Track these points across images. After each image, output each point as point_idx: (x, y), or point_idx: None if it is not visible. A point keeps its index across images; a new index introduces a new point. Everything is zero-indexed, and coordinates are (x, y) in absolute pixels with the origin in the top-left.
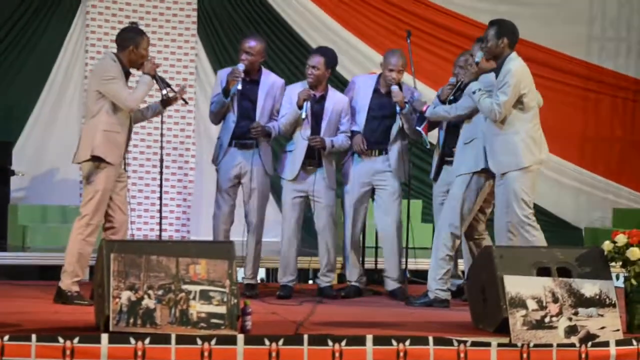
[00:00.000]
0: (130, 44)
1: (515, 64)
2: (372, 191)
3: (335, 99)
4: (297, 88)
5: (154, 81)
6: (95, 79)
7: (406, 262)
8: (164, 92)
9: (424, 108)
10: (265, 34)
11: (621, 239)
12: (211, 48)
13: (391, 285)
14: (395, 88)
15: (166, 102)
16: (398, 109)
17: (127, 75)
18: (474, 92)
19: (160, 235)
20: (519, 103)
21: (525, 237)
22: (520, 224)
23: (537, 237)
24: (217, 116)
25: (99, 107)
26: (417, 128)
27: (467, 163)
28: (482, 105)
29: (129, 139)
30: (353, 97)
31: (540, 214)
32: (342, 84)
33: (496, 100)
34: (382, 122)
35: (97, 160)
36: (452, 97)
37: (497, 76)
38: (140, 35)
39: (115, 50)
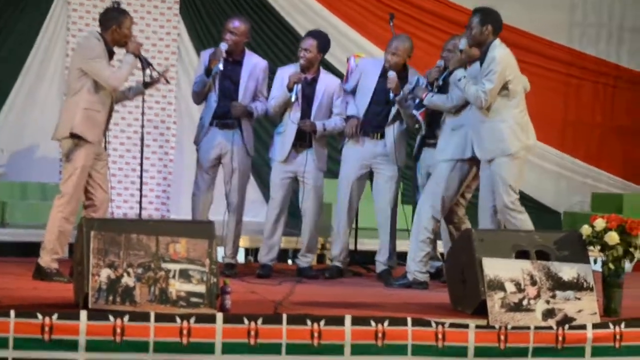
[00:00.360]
0: (113, 24)
1: (499, 51)
2: (370, 174)
3: (326, 82)
4: (289, 70)
5: (138, 61)
6: (78, 57)
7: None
8: (147, 71)
9: (424, 95)
10: (248, 15)
11: (600, 223)
12: (193, 27)
13: (380, 267)
14: (391, 74)
15: (148, 83)
16: (392, 95)
17: (111, 54)
18: (459, 80)
19: (140, 214)
20: (504, 89)
21: (511, 222)
22: (506, 210)
23: (523, 220)
24: (200, 96)
25: (80, 85)
26: (414, 112)
27: (453, 148)
28: (467, 93)
29: (109, 117)
30: (359, 79)
31: (520, 197)
32: (328, 70)
33: (482, 88)
34: (386, 106)
35: (76, 137)
36: (441, 82)
37: (481, 63)
38: (123, 14)
39: (98, 29)
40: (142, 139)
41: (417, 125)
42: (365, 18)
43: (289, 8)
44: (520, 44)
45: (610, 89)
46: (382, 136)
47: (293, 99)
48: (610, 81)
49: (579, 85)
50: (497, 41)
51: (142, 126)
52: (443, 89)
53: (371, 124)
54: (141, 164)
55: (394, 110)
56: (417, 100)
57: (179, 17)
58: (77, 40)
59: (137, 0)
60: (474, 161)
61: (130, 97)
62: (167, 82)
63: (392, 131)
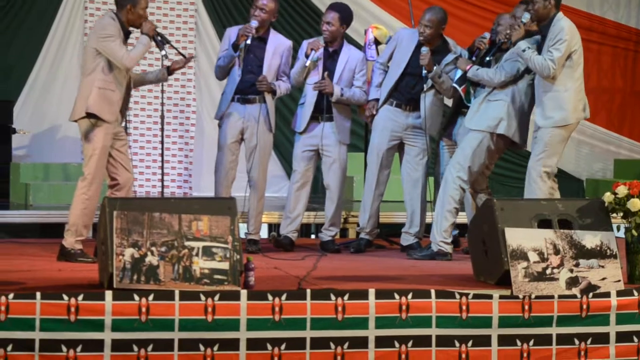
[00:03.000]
0: (128, 3)
1: (566, 22)
2: (401, 145)
3: (349, 55)
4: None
5: (153, 42)
6: (93, 37)
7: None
8: (163, 52)
9: (467, 67)
10: None
11: (622, 190)
12: (210, 4)
13: (409, 240)
14: (424, 50)
15: (172, 70)
16: (424, 71)
17: (127, 34)
18: (523, 50)
19: (162, 192)
20: (568, 60)
21: (532, 187)
22: (541, 174)
23: (543, 191)
24: (224, 71)
25: (95, 64)
26: (455, 85)
27: (487, 120)
28: (534, 62)
29: (128, 98)
30: (394, 50)
31: None
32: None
33: (550, 56)
34: (420, 80)
35: (92, 117)
36: (490, 57)
37: (543, 37)
38: None
39: (114, 9)
40: (162, 117)
41: (462, 98)
42: None
43: None
44: None
45: (632, 54)
46: (415, 109)
47: (307, 63)
48: (630, 46)
49: (599, 51)
50: (561, 14)
51: (162, 104)
52: (486, 65)
53: (404, 96)
54: (162, 142)
55: (429, 83)
56: (457, 73)
57: None
58: (93, 20)
59: None
60: (504, 138)
61: (151, 81)
62: (185, 58)
63: (424, 101)
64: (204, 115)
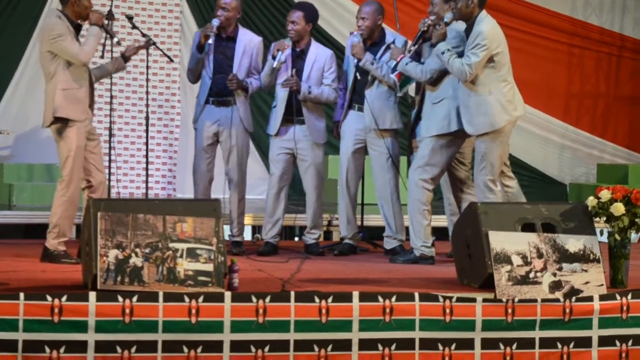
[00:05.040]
0: None
1: (486, 25)
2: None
3: (316, 53)
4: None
5: (103, 32)
6: (43, 40)
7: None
8: (115, 39)
9: (399, 58)
10: None
11: (605, 194)
12: (195, 5)
13: (391, 244)
14: (352, 40)
15: (128, 57)
16: (355, 61)
17: (77, 28)
18: (443, 53)
19: (146, 193)
20: (490, 62)
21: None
22: (483, 187)
23: (493, 200)
24: (194, 73)
25: (54, 67)
26: (392, 76)
27: (437, 124)
28: (452, 66)
29: (92, 92)
30: (348, 55)
31: (525, 169)
32: (326, 40)
33: (467, 61)
34: (372, 77)
35: (62, 120)
36: (413, 47)
37: (467, 37)
38: None
39: (59, 7)
40: (147, 118)
41: (396, 89)
42: None
43: None
44: (523, 15)
45: (615, 59)
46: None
47: (274, 65)
48: (614, 51)
49: (583, 56)
50: (484, 13)
51: (147, 105)
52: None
53: (361, 97)
54: (146, 143)
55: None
56: (393, 62)
57: None
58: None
59: None
60: (459, 132)
61: (110, 72)
62: (171, 60)
63: (368, 98)
64: (189, 117)
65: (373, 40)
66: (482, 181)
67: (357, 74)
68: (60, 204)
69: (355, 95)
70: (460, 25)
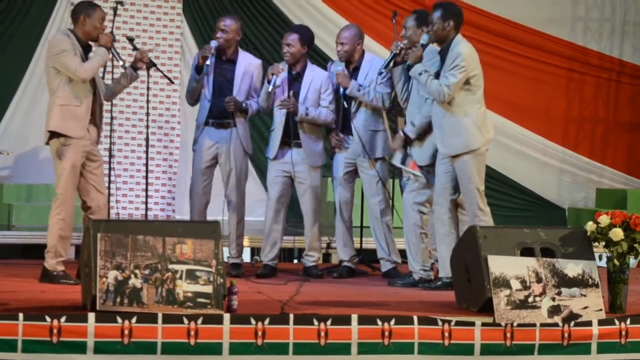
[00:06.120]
0: (81, 14)
1: (464, 47)
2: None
3: (313, 75)
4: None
5: (109, 54)
6: (48, 56)
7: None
8: (120, 62)
9: (347, 85)
10: (251, 13)
11: (604, 219)
12: (196, 27)
13: (386, 266)
14: (337, 69)
15: (137, 67)
16: (342, 90)
17: (86, 49)
18: (420, 74)
19: (145, 215)
20: (466, 84)
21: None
22: (479, 212)
23: (487, 222)
24: (193, 95)
25: (57, 82)
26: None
27: (427, 153)
28: (429, 87)
29: (99, 109)
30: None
31: (524, 193)
32: (323, 60)
33: (445, 82)
34: (357, 104)
35: (58, 136)
36: (384, 70)
37: (443, 59)
38: (93, 7)
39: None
40: (146, 140)
41: (382, 108)
42: (368, 15)
43: (291, 6)
44: (522, 39)
45: (614, 84)
46: None
47: (269, 89)
48: (613, 76)
49: (582, 81)
50: (459, 36)
51: (147, 126)
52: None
53: (349, 125)
54: (146, 165)
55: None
56: (385, 76)
57: (182, 17)
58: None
59: (140, 0)
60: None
61: (124, 85)
62: (172, 81)
63: (355, 124)
64: (188, 139)
65: (354, 65)
66: (476, 207)
67: (344, 102)
68: (55, 223)
69: (345, 122)
70: (435, 48)
